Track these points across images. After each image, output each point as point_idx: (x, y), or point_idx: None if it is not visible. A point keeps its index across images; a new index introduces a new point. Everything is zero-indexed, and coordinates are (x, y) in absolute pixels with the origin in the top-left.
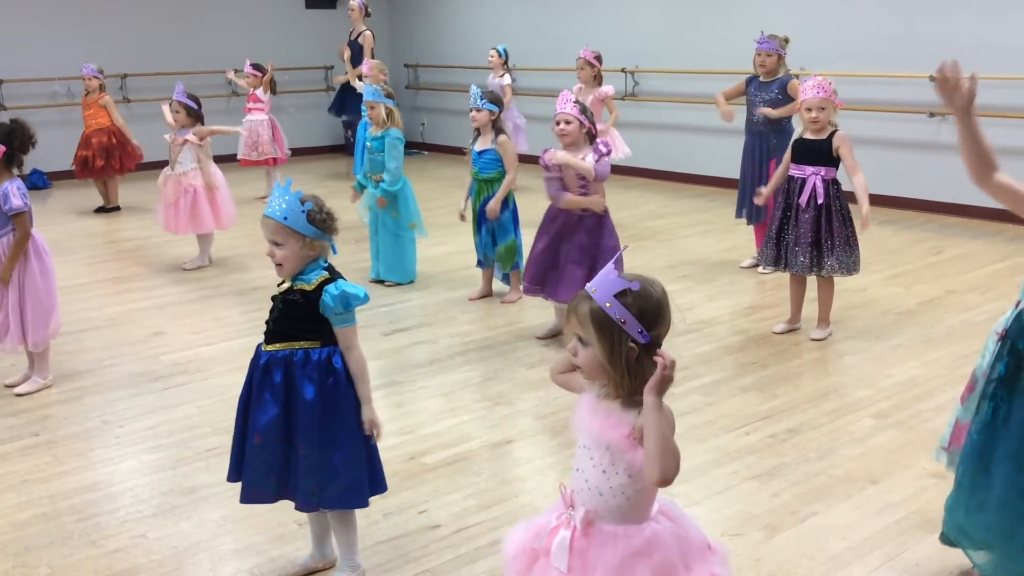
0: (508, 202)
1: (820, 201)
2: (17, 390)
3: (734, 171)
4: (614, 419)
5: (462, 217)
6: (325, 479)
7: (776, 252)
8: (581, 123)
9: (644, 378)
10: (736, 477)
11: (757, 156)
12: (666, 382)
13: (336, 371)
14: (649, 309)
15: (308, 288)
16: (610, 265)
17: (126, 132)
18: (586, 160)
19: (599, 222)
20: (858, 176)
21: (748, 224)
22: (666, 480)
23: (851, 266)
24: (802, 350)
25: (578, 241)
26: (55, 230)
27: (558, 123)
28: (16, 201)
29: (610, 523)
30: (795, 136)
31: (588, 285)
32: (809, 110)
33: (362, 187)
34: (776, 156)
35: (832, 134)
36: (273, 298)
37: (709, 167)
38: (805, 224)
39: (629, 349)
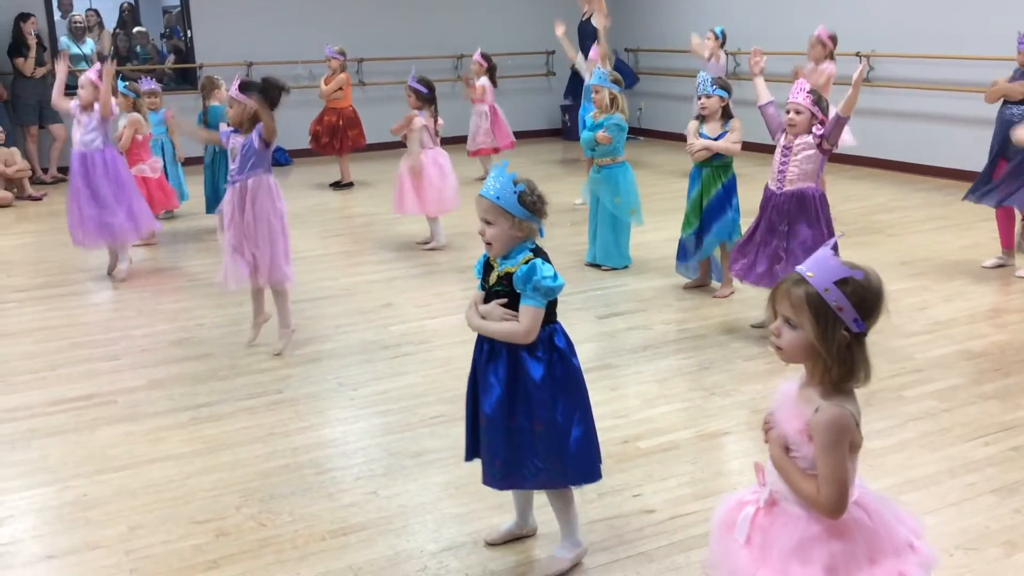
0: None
1: None
2: (275, 350)
3: (976, 164)
4: (795, 409)
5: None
6: (566, 456)
7: None
8: (813, 114)
9: (853, 367)
10: (973, 490)
11: (1009, 150)
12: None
13: (558, 348)
14: (868, 299)
15: (513, 270)
16: (828, 249)
17: (346, 88)
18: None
19: (813, 208)
20: None
21: (977, 203)
22: (822, 511)
23: None
24: None
25: (787, 226)
26: (294, 204)
27: (787, 111)
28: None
29: (795, 505)
30: None
31: (803, 267)
32: None
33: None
34: None
35: None
36: (485, 287)
37: (948, 158)
38: None
39: (841, 336)
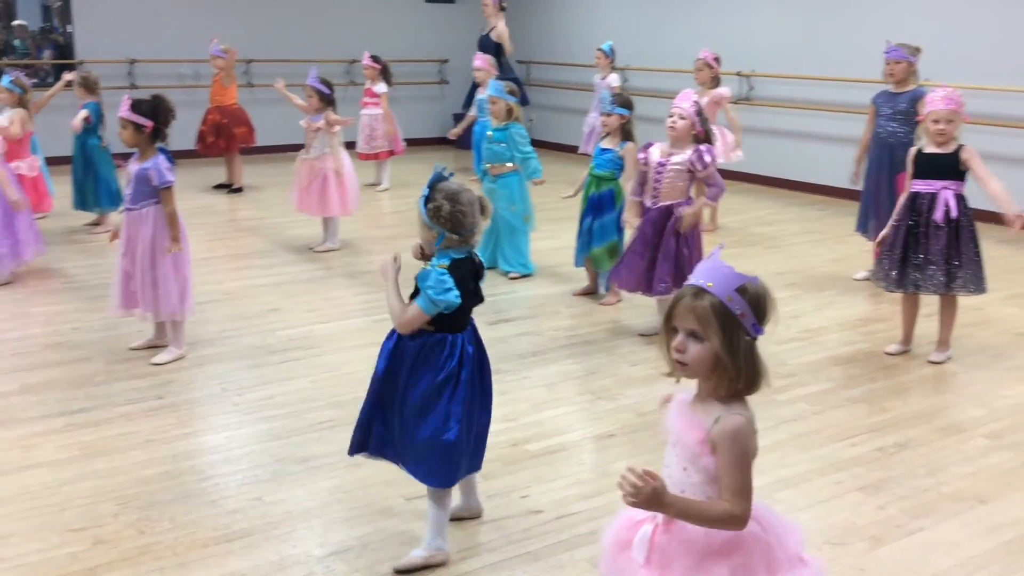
0: (615, 204)
1: (953, 216)
2: (154, 360)
3: (848, 181)
4: (692, 420)
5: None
6: (412, 450)
7: (901, 274)
8: (693, 123)
9: (757, 371)
10: (841, 487)
11: (885, 170)
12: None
13: (468, 352)
14: (763, 303)
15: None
16: (717, 259)
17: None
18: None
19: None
20: (994, 182)
21: (871, 240)
22: (738, 525)
23: (981, 283)
24: (913, 366)
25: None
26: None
27: (671, 115)
28: (168, 176)
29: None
30: (915, 149)
31: (696, 278)
32: (936, 122)
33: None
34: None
35: (959, 148)
36: None
37: (823, 175)
38: (939, 241)
39: (745, 342)
